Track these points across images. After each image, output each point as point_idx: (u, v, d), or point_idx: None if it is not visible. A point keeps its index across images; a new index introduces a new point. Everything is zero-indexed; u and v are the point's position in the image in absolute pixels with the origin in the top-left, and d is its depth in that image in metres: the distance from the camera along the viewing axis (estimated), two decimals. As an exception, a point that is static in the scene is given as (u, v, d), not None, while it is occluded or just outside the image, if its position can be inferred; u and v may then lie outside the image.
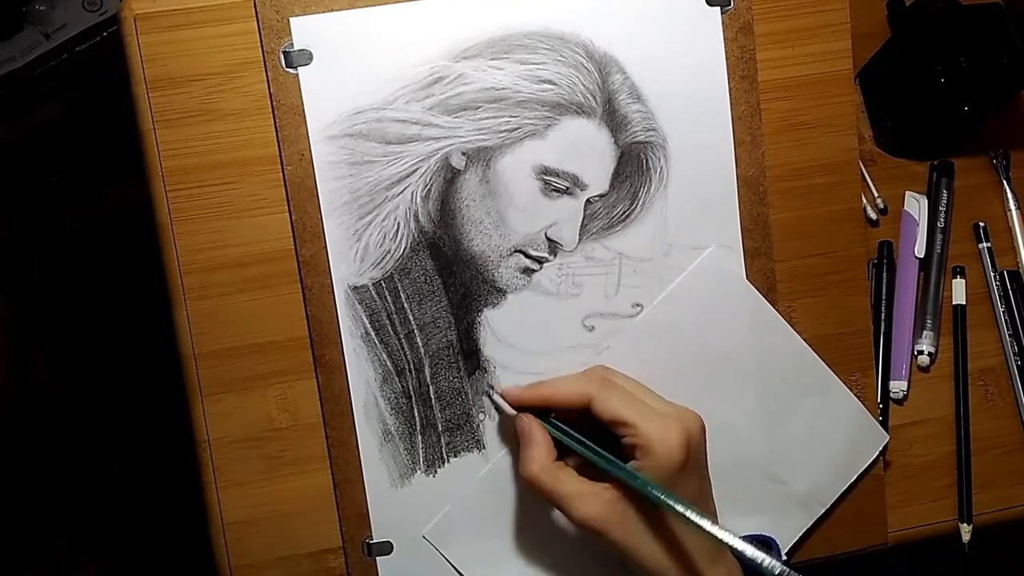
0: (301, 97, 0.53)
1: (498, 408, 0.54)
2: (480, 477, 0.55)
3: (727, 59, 0.56)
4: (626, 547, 0.47)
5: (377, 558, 0.55)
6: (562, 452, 0.51)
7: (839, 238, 0.58)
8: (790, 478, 0.57)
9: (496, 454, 0.55)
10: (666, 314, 0.56)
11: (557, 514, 0.55)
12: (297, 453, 0.55)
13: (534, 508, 0.55)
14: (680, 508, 0.45)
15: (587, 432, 0.50)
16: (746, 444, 0.57)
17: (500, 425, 0.55)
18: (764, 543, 0.54)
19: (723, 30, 0.56)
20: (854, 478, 0.58)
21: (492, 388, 0.55)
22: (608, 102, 0.54)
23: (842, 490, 0.58)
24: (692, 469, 0.48)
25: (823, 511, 0.58)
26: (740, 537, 0.44)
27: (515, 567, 0.56)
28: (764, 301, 0.57)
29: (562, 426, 0.51)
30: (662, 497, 0.45)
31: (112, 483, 1.06)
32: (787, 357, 0.57)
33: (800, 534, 0.58)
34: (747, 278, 0.57)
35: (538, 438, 0.50)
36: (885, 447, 0.59)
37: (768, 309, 0.57)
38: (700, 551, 0.48)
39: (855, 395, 0.58)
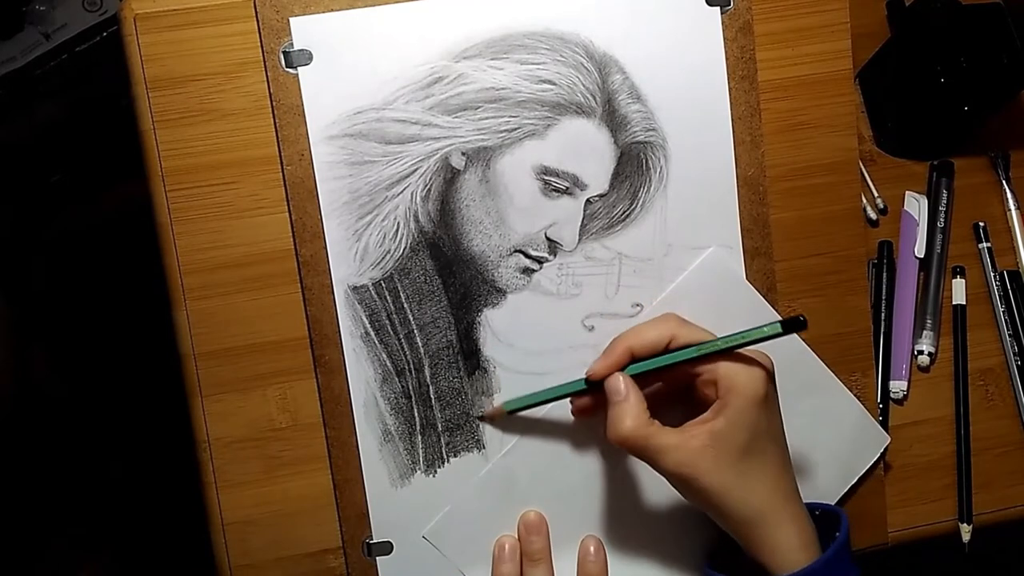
0: (301, 97, 0.53)
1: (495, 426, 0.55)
2: (480, 477, 0.55)
3: (727, 59, 0.56)
4: (716, 493, 0.48)
5: (377, 558, 0.55)
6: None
7: (839, 238, 0.58)
8: None
9: (496, 454, 0.55)
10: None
11: (557, 515, 0.55)
12: (297, 453, 0.55)
13: (534, 506, 0.55)
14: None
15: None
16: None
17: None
18: (825, 512, 0.54)
19: (723, 30, 0.56)
20: (855, 480, 0.58)
21: (481, 415, 0.55)
22: (608, 102, 0.54)
23: (843, 492, 0.58)
24: (772, 404, 0.49)
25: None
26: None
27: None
28: (764, 302, 0.57)
29: (648, 362, 0.51)
30: (739, 337, 0.48)
31: (112, 483, 1.06)
32: (789, 357, 0.57)
33: None
34: (747, 278, 0.57)
35: (630, 396, 0.49)
36: (886, 449, 0.59)
37: (768, 310, 0.57)
38: (785, 495, 0.49)
39: (855, 395, 0.58)
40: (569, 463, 0.56)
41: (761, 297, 0.57)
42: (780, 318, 0.47)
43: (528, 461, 0.55)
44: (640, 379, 0.50)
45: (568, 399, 0.54)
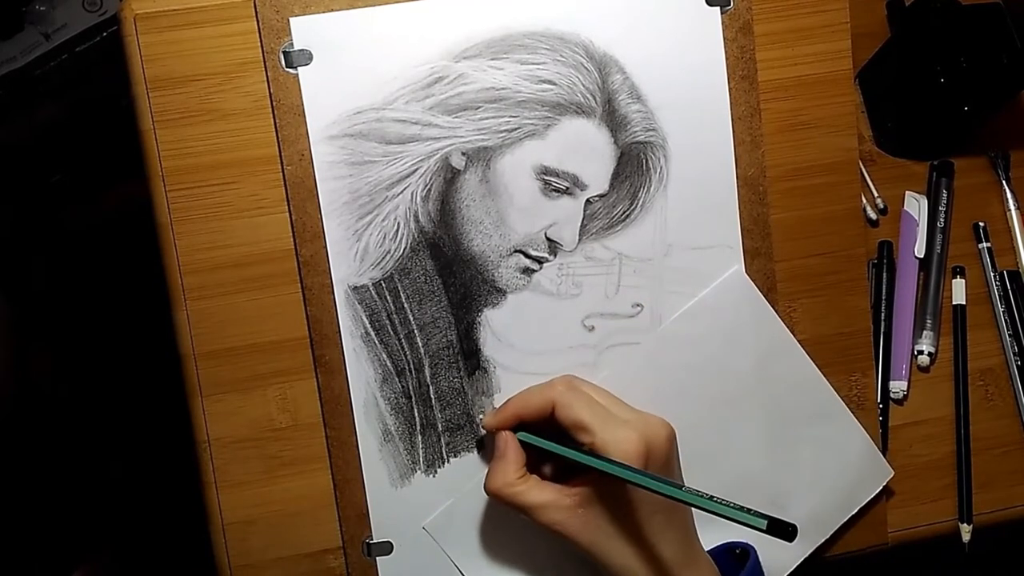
0: (301, 97, 0.53)
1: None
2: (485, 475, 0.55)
3: (727, 59, 0.56)
4: (592, 551, 0.48)
5: (377, 558, 0.55)
6: (540, 461, 0.52)
7: (839, 238, 0.58)
8: (791, 504, 0.57)
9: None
10: (684, 330, 0.56)
11: None
12: (297, 453, 0.55)
13: None
14: (655, 485, 0.45)
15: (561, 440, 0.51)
16: (750, 465, 0.57)
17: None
18: (744, 550, 0.54)
19: (723, 30, 0.56)
20: (855, 511, 0.58)
21: (482, 434, 0.55)
22: (608, 102, 0.54)
23: (842, 521, 0.58)
24: (662, 466, 0.49)
25: (821, 542, 0.58)
26: (716, 546, 0.45)
27: (514, 565, 0.55)
28: (783, 326, 0.57)
29: (532, 436, 0.51)
30: (636, 476, 0.45)
31: (112, 483, 1.06)
32: (800, 384, 0.57)
33: (796, 564, 0.57)
34: (747, 279, 0.57)
35: (507, 454, 0.51)
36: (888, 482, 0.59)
37: (787, 334, 0.57)
38: (672, 555, 0.48)
39: (855, 395, 0.59)
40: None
41: (781, 322, 0.56)
42: (767, 516, 0.40)
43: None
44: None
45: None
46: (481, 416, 0.55)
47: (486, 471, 0.53)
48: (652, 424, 0.49)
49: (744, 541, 0.54)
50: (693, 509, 0.49)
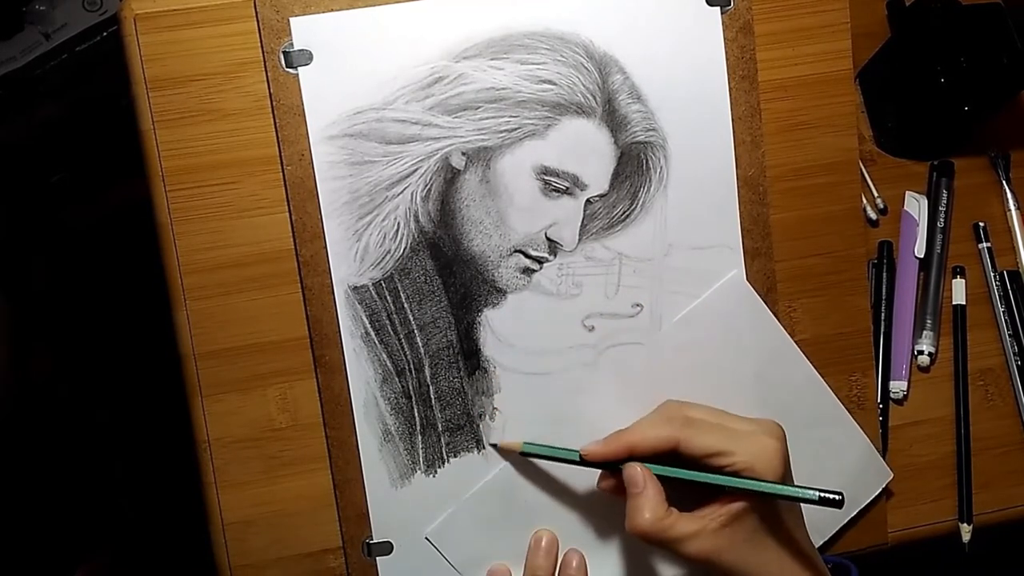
0: (301, 97, 0.53)
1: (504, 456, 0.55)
2: (486, 481, 0.55)
3: (727, 59, 0.56)
4: (737, 569, 0.48)
5: (377, 558, 0.55)
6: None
7: (839, 238, 0.58)
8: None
9: (496, 455, 0.55)
10: (683, 333, 0.56)
11: (557, 526, 0.55)
12: (297, 453, 0.55)
13: (537, 515, 0.55)
14: (798, 492, 0.47)
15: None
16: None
17: (511, 425, 0.55)
18: (837, 565, 0.55)
19: (723, 30, 0.56)
20: (854, 513, 0.59)
21: (496, 444, 0.55)
22: (608, 102, 0.54)
23: (842, 523, 0.58)
24: (788, 476, 0.50)
25: (821, 543, 0.58)
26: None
27: (516, 571, 0.55)
28: (782, 330, 0.57)
29: (670, 468, 0.50)
30: (780, 489, 0.48)
31: (112, 483, 1.06)
32: (800, 387, 0.57)
33: None
34: (747, 278, 0.57)
35: (648, 488, 0.49)
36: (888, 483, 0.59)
37: (786, 338, 0.57)
38: (802, 559, 0.50)
39: (855, 395, 0.59)
40: (575, 474, 0.55)
41: (780, 326, 0.57)
42: (818, 489, 0.47)
43: (534, 469, 0.55)
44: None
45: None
46: (493, 447, 0.55)
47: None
48: (772, 426, 0.50)
49: (837, 557, 0.56)
50: None
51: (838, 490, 0.47)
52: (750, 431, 0.50)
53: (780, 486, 0.48)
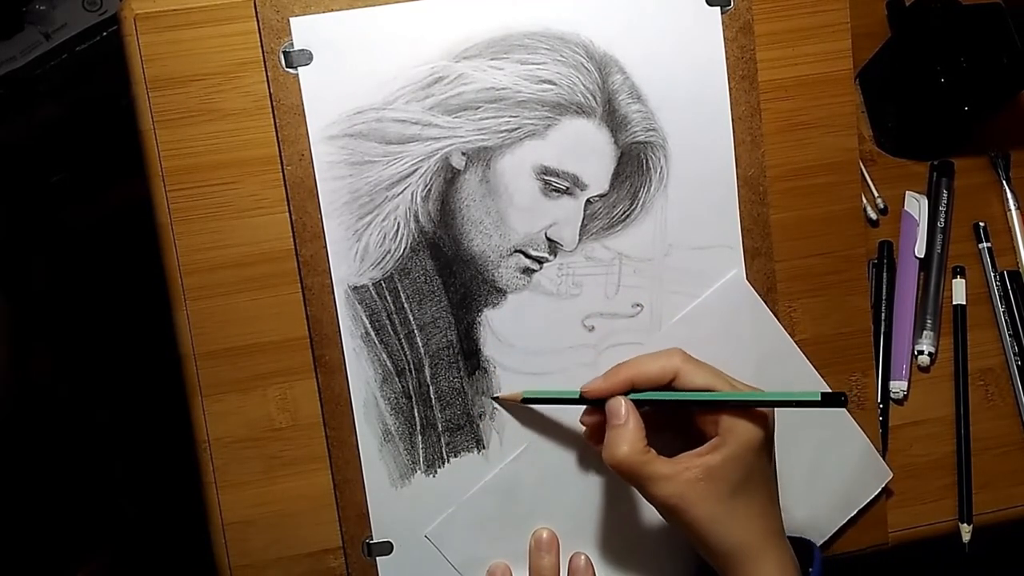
0: (301, 97, 0.53)
1: (506, 408, 0.55)
2: (486, 481, 0.55)
3: (727, 59, 0.56)
4: (702, 525, 0.48)
5: (377, 558, 0.55)
6: None
7: (839, 238, 0.58)
8: (791, 505, 0.56)
9: (496, 454, 0.55)
10: (683, 333, 0.56)
11: (558, 525, 0.55)
12: (297, 453, 0.55)
13: (537, 515, 0.55)
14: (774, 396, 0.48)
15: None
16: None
17: (510, 425, 0.55)
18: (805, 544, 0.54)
19: (723, 30, 0.56)
20: (854, 512, 0.58)
21: (497, 396, 0.55)
22: (608, 102, 0.54)
23: (842, 523, 0.58)
24: (769, 448, 0.50)
25: (821, 542, 0.58)
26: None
27: (516, 573, 0.55)
28: (782, 329, 0.57)
29: (658, 393, 0.50)
30: (780, 395, 0.48)
31: (112, 483, 1.06)
32: (800, 387, 0.57)
33: None
34: (747, 278, 0.57)
35: (630, 421, 0.49)
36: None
37: (785, 337, 0.57)
38: (776, 527, 0.50)
39: (855, 396, 0.59)
40: (575, 474, 0.56)
41: (779, 325, 0.57)
42: (820, 391, 0.48)
43: (534, 469, 0.55)
44: (637, 402, 0.50)
45: (581, 411, 0.54)
46: (493, 400, 0.55)
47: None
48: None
49: (801, 536, 0.55)
50: None
51: (840, 391, 0.47)
52: (744, 387, 0.50)
53: (780, 393, 0.48)
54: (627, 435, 0.49)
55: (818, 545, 0.55)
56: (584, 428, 0.53)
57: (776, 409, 0.50)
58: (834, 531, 0.58)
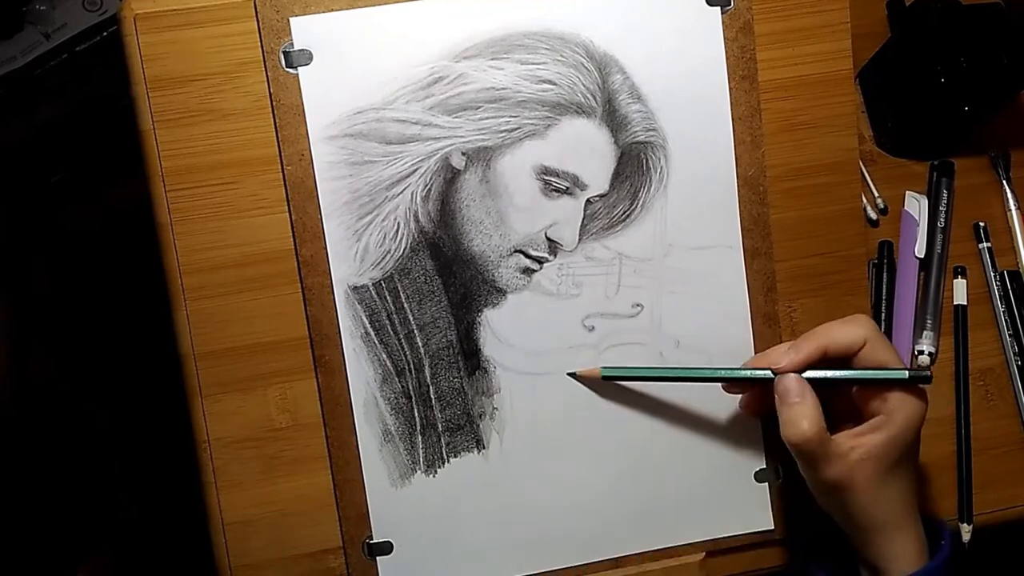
0: (301, 97, 0.53)
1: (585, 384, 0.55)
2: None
3: (727, 59, 0.56)
4: (862, 502, 0.49)
5: (377, 558, 0.55)
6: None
7: (839, 238, 0.58)
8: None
9: (496, 454, 0.55)
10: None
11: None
12: (297, 453, 0.55)
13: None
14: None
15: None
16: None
17: (511, 425, 0.55)
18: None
19: (723, 30, 0.56)
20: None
21: (573, 372, 0.55)
22: (608, 102, 0.54)
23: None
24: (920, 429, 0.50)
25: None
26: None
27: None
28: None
29: (840, 372, 0.50)
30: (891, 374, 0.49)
31: (112, 483, 1.06)
32: None
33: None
34: (747, 278, 0.57)
35: (809, 399, 0.49)
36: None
37: None
38: (912, 506, 0.51)
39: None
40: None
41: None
42: (907, 368, 0.49)
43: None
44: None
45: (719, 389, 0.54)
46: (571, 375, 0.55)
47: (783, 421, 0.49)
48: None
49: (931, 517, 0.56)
50: None
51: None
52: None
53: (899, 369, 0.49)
54: (807, 412, 0.48)
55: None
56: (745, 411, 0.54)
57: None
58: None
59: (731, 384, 0.54)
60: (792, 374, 0.50)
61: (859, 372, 0.50)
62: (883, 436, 0.48)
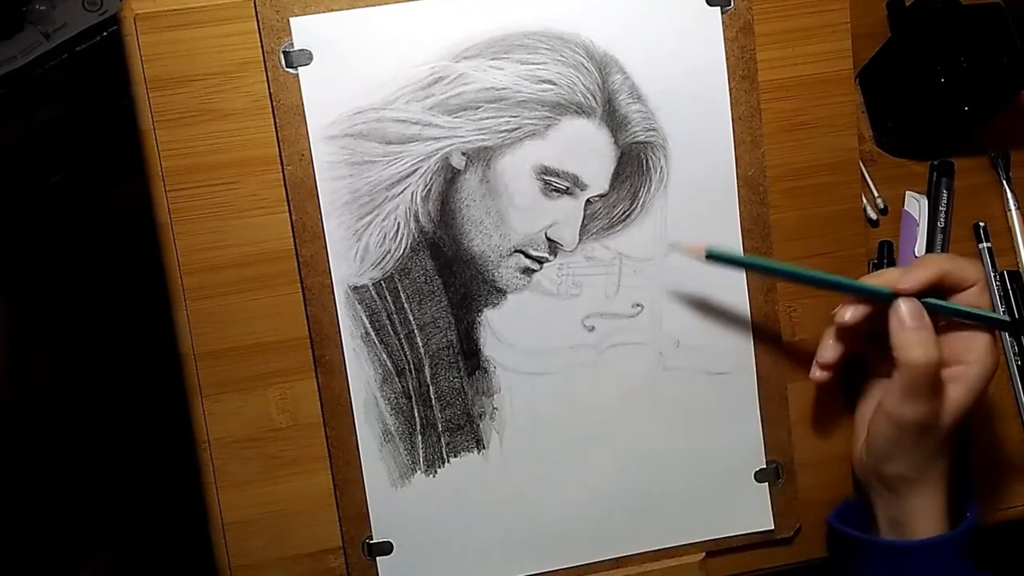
0: (301, 97, 0.53)
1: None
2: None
3: (727, 59, 0.56)
4: (934, 442, 0.50)
5: (377, 558, 0.55)
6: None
7: (839, 238, 0.58)
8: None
9: (496, 454, 0.55)
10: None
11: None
12: (297, 453, 0.55)
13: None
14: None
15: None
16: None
17: (510, 425, 0.55)
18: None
19: (723, 30, 0.56)
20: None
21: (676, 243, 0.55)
22: (608, 102, 0.54)
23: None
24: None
25: None
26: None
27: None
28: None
29: (949, 304, 0.51)
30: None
31: (112, 483, 1.06)
32: None
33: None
34: (747, 278, 0.57)
35: (928, 322, 0.49)
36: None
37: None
38: (949, 462, 0.52)
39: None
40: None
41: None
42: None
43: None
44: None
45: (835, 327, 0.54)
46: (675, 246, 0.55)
47: (906, 345, 0.49)
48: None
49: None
50: None
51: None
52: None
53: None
54: (932, 336, 0.49)
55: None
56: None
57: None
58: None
59: (845, 293, 0.52)
60: (914, 298, 0.50)
61: (971, 308, 0.50)
62: (966, 384, 0.50)
